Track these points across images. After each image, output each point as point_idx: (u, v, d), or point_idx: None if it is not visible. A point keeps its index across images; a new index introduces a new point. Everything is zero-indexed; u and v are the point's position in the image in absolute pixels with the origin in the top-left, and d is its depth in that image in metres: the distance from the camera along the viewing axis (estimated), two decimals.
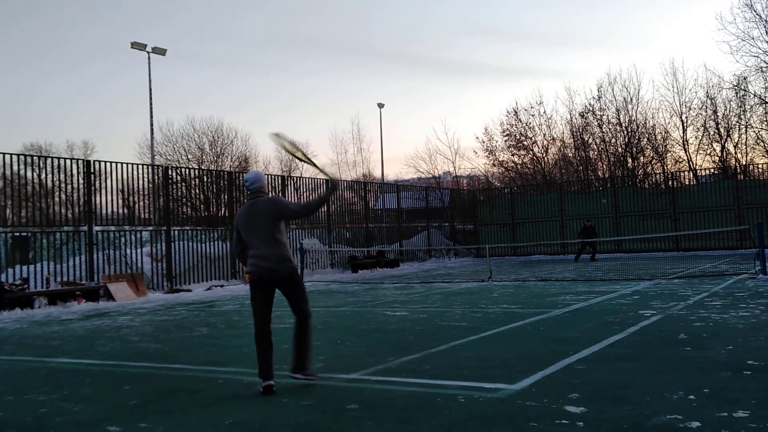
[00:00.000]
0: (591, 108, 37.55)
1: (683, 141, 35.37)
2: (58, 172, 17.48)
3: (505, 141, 39.52)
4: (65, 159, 18.13)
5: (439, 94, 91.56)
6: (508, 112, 40.40)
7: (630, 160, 36.64)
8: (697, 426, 3.77)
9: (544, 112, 39.27)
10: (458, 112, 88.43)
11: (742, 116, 33.79)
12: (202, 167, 38.64)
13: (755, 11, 31.92)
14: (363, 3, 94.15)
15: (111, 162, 18.04)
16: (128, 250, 18.17)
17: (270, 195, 5.93)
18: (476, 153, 65.30)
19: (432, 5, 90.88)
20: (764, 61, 31.94)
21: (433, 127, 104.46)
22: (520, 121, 39.14)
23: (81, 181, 17.49)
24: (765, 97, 32.71)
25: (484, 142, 40.27)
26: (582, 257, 25.86)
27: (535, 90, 53.12)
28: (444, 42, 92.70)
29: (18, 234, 16.90)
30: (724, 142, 34.20)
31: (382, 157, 49.24)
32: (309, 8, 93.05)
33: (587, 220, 26.53)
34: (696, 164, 34.55)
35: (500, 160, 40.08)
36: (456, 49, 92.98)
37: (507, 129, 39.40)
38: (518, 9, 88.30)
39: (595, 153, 38.24)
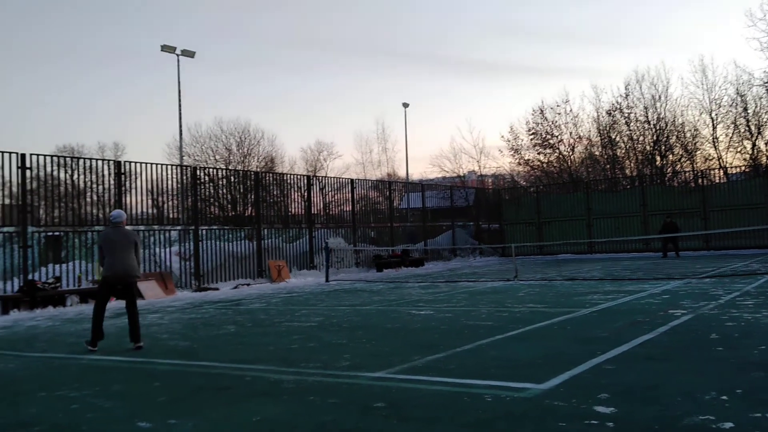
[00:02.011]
0: (618, 106, 37.13)
1: (713, 138, 34.80)
2: (90, 172, 17.76)
3: (531, 140, 39.26)
4: (96, 160, 18.42)
5: (464, 93, 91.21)
6: (533, 110, 40.09)
7: (658, 158, 36.14)
8: (730, 427, 3.71)
9: (571, 110, 38.87)
10: (483, 111, 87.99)
11: None
12: (230, 167, 38.98)
13: None
14: (389, 3, 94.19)
15: (141, 163, 18.31)
16: (157, 249, 18.40)
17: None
18: (501, 152, 65.02)
19: (457, 5, 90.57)
20: None
21: (458, 126, 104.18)
22: (546, 120, 38.85)
23: (112, 181, 17.76)
24: None
25: (509, 141, 40.05)
26: (669, 254, 25.19)
27: (562, 88, 52.66)
28: (468, 41, 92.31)
29: (51, 233, 17.21)
30: (755, 140, 33.56)
31: (406, 157, 49.30)
32: (335, 9, 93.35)
33: (667, 216, 25.97)
34: (726, 162, 33.97)
35: (526, 158, 39.83)
36: (480, 48, 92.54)
37: (533, 127, 39.14)
38: (544, 8, 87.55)
39: (623, 151, 37.80)
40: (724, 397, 4.34)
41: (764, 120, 33.33)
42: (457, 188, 35.07)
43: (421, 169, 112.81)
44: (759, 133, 33.52)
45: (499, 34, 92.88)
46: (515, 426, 4.00)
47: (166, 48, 32.92)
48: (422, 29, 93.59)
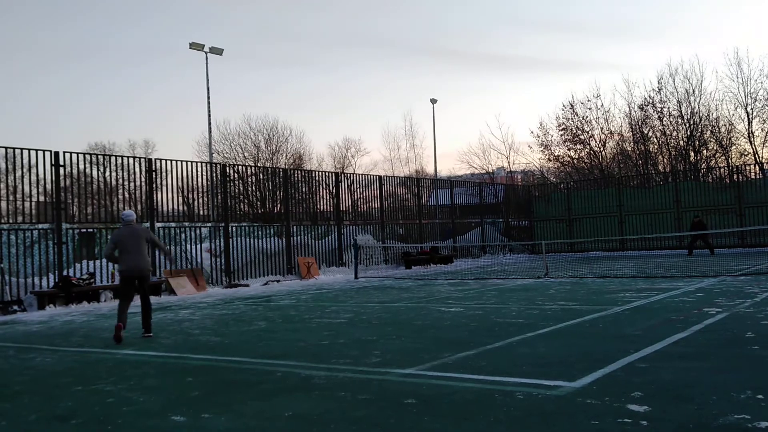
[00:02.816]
0: (651, 100, 36.54)
1: (749, 133, 34.04)
2: (121, 170, 18.06)
3: (561, 135, 38.86)
4: (128, 157, 18.72)
5: (493, 89, 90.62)
6: (564, 105, 39.69)
7: (692, 154, 35.50)
8: (766, 426, 3.64)
9: (602, 105, 38.47)
10: (512, 106, 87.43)
11: None
12: (258, 164, 39.31)
13: None
14: (417, 1, 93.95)
15: (171, 160, 18.54)
16: (188, 246, 18.64)
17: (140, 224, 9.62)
18: (531, 148, 64.57)
19: (483, 1, 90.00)
20: None
21: (487, 122, 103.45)
22: (577, 115, 38.42)
23: (143, 178, 18.04)
24: None
25: (539, 137, 39.71)
26: (697, 251, 24.46)
27: (593, 83, 51.93)
28: (498, 36, 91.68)
29: (84, 230, 17.54)
30: None
31: (435, 153, 49.13)
32: (362, 6, 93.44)
33: (695, 216, 25.36)
34: (762, 157, 33.21)
35: (556, 154, 39.44)
36: (510, 43, 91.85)
37: (563, 123, 38.74)
38: (575, 3, 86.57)
39: (655, 146, 37.20)
40: (760, 396, 4.26)
41: None
42: (486, 185, 34.88)
43: (449, 166, 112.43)
44: None
45: (528, 29, 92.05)
46: (547, 423, 3.97)
47: (194, 45, 33.29)
48: (451, 25, 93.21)
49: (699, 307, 9.08)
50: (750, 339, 6.48)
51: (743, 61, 48.87)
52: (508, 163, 40.18)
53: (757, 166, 29.99)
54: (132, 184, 18.41)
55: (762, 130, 33.75)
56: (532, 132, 60.08)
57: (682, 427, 3.74)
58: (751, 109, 33.92)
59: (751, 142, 33.92)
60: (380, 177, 26.95)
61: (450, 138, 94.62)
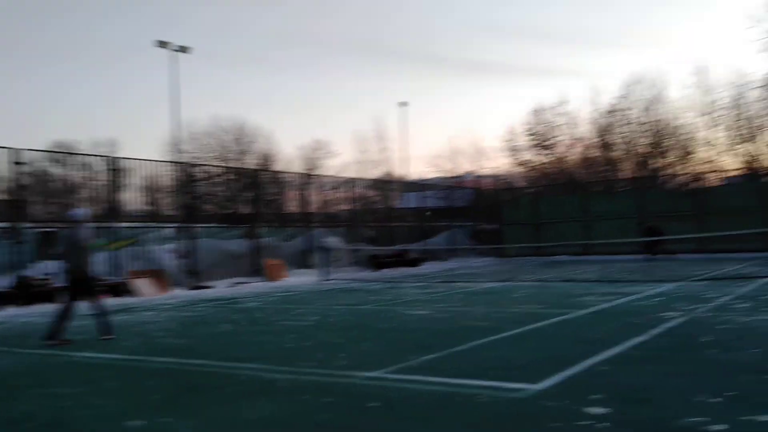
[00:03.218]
0: (616, 108, 37.18)
1: (709, 141, 34.86)
2: (84, 169, 17.72)
3: (529, 140, 39.32)
4: (90, 156, 18.38)
5: (463, 94, 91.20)
6: (532, 111, 40.15)
7: (655, 161, 36.21)
8: (721, 429, 3.73)
9: (569, 111, 38.92)
10: (481, 111, 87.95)
11: None
12: (226, 165, 38.95)
13: None
14: (390, 2, 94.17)
15: (135, 159, 18.27)
16: (152, 247, 18.37)
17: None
18: (499, 153, 65.09)
19: (456, 5, 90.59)
20: None
21: (456, 126, 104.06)
22: (544, 121, 38.91)
23: (106, 177, 17.73)
24: None
25: (507, 142, 40.10)
26: (642, 256, 24.99)
27: (560, 90, 52.84)
28: (468, 42, 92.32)
29: (45, 230, 17.17)
30: (752, 143, 33.64)
31: (404, 156, 49.26)
32: (334, 7, 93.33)
33: (650, 220, 25.87)
34: (722, 165, 34.03)
35: (524, 159, 39.88)
36: (480, 49, 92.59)
37: (531, 128, 39.20)
38: (543, 8, 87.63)
39: (620, 153, 37.85)
40: (717, 400, 4.36)
41: (761, 123, 33.44)
42: (455, 188, 35.08)
43: (419, 169, 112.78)
44: (755, 136, 33.63)
45: (497, 36, 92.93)
46: (510, 426, 4.01)
47: (161, 44, 32.85)
48: (422, 29, 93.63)
49: (659, 312, 9.25)
50: (707, 343, 6.63)
51: (706, 70, 49.99)
52: (478, 167, 40.53)
53: (717, 174, 30.73)
54: (95, 183, 18.08)
55: (722, 138, 34.60)
56: (500, 137, 60.67)
57: (640, 430, 3.82)
58: (712, 117, 34.76)
59: (711, 150, 34.75)
60: (350, 179, 26.94)
61: (420, 141, 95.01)
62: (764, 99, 33.18)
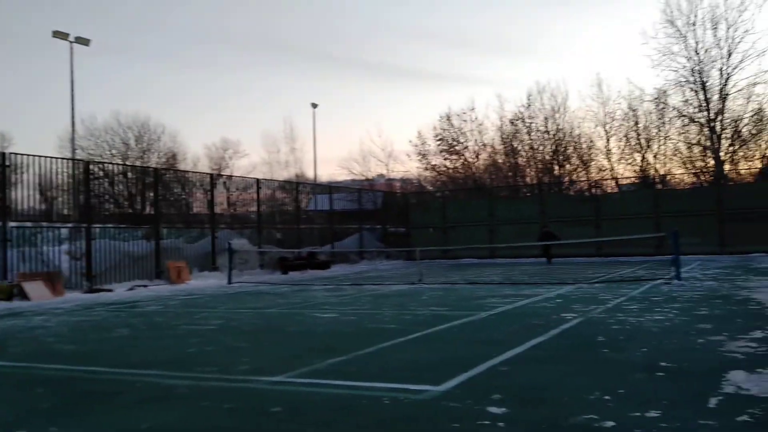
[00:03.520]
0: (521, 116, 38.54)
1: (607, 150, 36.75)
2: None
3: (438, 145, 40.09)
4: None
5: (375, 97, 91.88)
6: (441, 117, 40.95)
7: (557, 168, 37.78)
8: (611, 426, 3.90)
9: (476, 118, 39.99)
10: (393, 115, 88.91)
11: (662, 128, 35.45)
12: (127, 163, 37.47)
13: (676, 27, 33.54)
14: (298, 2, 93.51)
15: (28, 155, 17.22)
16: (45, 248, 17.39)
17: None
18: (409, 156, 65.84)
19: (366, 9, 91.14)
20: (683, 76, 33.58)
21: (368, 129, 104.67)
22: (453, 126, 39.79)
23: None
24: (683, 110, 34.39)
25: (417, 146, 40.72)
26: (542, 260, 25.86)
27: (468, 96, 54.33)
28: (379, 46, 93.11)
29: None
30: (645, 153, 35.73)
31: (314, 158, 49.00)
32: (243, 5, 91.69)
33: (544, 226, 26.82)
34: (618, 173, 35.96)
35: (433, 164, 40.61)
36: (392, 53, 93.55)
37: (440, 134, 39.97)
38: (451, 17, 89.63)
39: (524, 160, 39.24)
40: (607, 397, 4.56)
41: (653, 134, 35.57)
42: (365, 191, 35.25)
43: (329, 171, 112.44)
44: (648, 146, 35.72)
45: (408, 41, 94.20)
46: (411, 427, 4.04)
47: (58, 34, 31.22)
48: (333, 31, 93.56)
49: (557, 313, 9.62)
50: (601, 343, 6.94)
51: (603, 82, 52.61)
52: (388, 170, 40.91)
53: (613, 181, 32.39)
54: None
55: (618, 147, 36.55)
56: (410, 141, 61.42)
57: (536, 428, 3.94)
58: (609, 127, 36.67)
59: (608, 159, 36.63)
60: (258, 180, 26.52)
61: (331, 143, 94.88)
62: (655, 112, 35.33)
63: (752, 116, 33.43)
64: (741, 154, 34.36)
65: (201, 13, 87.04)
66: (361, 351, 6.87)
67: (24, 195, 17.16)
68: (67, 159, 19.73)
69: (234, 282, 19.32)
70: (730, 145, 33.90)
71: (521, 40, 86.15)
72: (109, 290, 17.51)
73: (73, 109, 32.49)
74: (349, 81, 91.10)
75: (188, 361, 6.64)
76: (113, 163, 30.43)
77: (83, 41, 32.17)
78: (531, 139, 38.38)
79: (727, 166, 33.59)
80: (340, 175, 46.31)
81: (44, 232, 17.58)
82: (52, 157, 17.89)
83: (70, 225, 18.66)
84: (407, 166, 61.52)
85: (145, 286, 18.72)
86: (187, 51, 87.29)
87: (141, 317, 11.17)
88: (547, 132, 37.84)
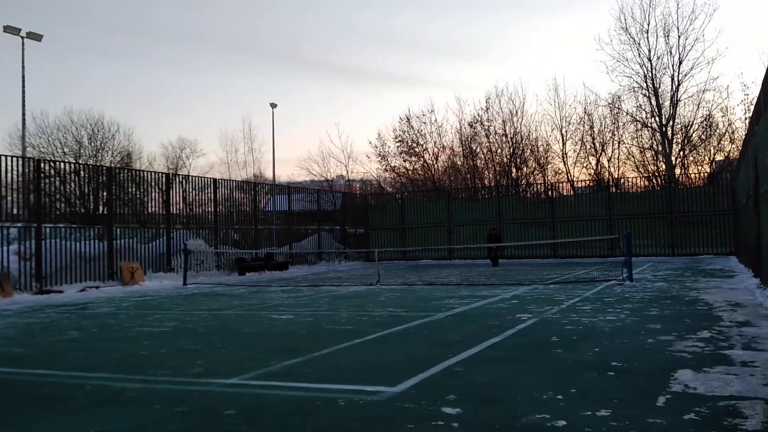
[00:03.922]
0: (479, 118, 38.94)
1: (563, 153, 37.40)
2: None
3: (398, 147, 40.24)
4: None
5: (334, 99, 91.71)
6: (401, 118, 41.11)
7: (514, 170, 38.26)
8: (563, 425, 3.95)
9: (435, 120, 40.27)
10: (353, 116, 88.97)
11: (616, 133, 36.25)
12: (80, 161, 36.57)
13: (630, 34, 34.35)
14: (261, 4, 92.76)
15: None
16: None
17: None
18: (369, 158, 65.91)
19: (329, 13, 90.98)
20: (636, 82, 34.40)
21: (327, 130, 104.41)
22: (412, 128, 40.00)
23: None
24: (636, 115, 35.21)
25: (377, 147, 40.78)
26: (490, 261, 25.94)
27: (428, 99, 54.64)
28: (341, 47, 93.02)
29: None
30: (599, 156, 36.46)
31: (273, 158, 48.72)
32: (202, 4, 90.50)
33: (492, 228, 27.07)
34: (573, 176, 36.62)
35: (392, 165, 40.73)
36: (353, 55, 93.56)
37: (399, 135, 40.11)
38: (412, 21, 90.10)
39: (483, 162, 39.65)
40: (560, 397, 4.63)
41: (608, 138, 36.33)
42: (324, 192, 35.13)
43: (288, 172, 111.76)
44: (603, 150, 36.46)
45: (369, 43, 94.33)
46: (366, 429, 4.03)
47: (9, 29, 30.27)
48: (293, 32, 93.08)
49: (513, 313, 9.74)
50: (554, 343, 7.05)
51: (560, 87, 53.63)
52: (347, 171, 40.84)
53: (569, 184, 32.95)
54: None
55: (574, 151, 37.22)
56: (370, 142, 61.52)
57: (489, 428, 3.97)
58: (565, 131, 37.33)
59: (564, 162, 37.26)
60: (215, 180, 26.18)
61: (290, 144, 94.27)
62: (610, 116, 36.10)
63: (702, 122, 34.46)
64: (691, 158, 35.40)
65: (158, 11, 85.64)
66: (318, 352, 6.83)
67: None
68: (18, 157, 19.13)
69: (189, 283, 19.03)
70: (680, 150, 34.86)
71: (480, 44, 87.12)
72: (60, 291, 17.07)
73: (24, 105, 31.54)
74: (309, 82, 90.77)
75: (140, 364, 6.51)
76: (65, 162, 29.61)
77: (35, 36, 31.25)
78: (489, 142, 38.83)
79: (678, 171, 34.54)
80: (300, 176, 46.20)
81: None
82: (1, 155, 17.33)
83: (19, 225, 18.12)
84: (367, 167, 61.71)
85: (97, 287, 18.31)
86: (145, 50, 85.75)
87: (92, 319, 10.91)
88: (505, 135, 38.33)
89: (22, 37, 30.92)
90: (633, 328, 7.90)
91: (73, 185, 22.28)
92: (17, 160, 18.77)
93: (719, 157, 34.84)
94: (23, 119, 31.83)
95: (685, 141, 34.71)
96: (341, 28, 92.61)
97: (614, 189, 32.54)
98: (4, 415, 4.67)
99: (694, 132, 34.64)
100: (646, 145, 35.68)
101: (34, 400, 5.09)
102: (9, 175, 17.64)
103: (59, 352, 7.58)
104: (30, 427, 4.32)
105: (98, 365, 6.55)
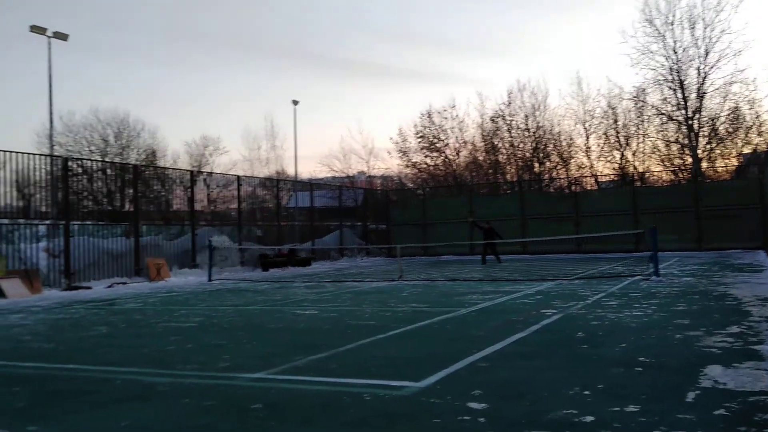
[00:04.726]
0: (501, 113, 38.68)
1: (586, 148, 37.03)
2: None
3: (419, 143, 40.12)
4: None
5: (355, 94, 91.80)
6: (422, 114, 40.99)
7: (537, 165, 37.99)
8: (591, 420, 3.93)
9: (457, 115, 40.07)
10: (374, 113, 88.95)
11: (640, 126, 35.79)
12: (106, 159, 37.07)
13: (655, 26, 33.87)
14: (282, 2, 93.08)
15: (5, 151, 16.97)
16: (23, 245, 17.16)
17: None
18: (390, 154, 65.89)
19: (348, 8, 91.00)
20: (661, 75, 33.93)
21: (348, 126, 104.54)
22: (434, 124, 39.84)
23: None
24: (661, 108, 34.74)
25: (398, 143, 40.72)
26: (488, 258, 25.46)
27: (449, 94, 54.44)
28: (361, 44, 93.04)
29: None
30: (623, 150, 36.05)
31: (295, 155, 48.91)
32: (224, 4, 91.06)
33: (486, 222, 26.66)
34: (597, 170, 36.25)
35: (413, 161, 40.63)
36: (373, 51, 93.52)
37: (420, 131, 40.00)
38: (433, 16, 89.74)
39: (504, 157, 39.41)
40: (587, 392, 4.60)
41: (632, 132, 35.90)
42: (345, 188, 35.20)
43: (310, 168, 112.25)
44: (627, 144, 36.05)
45: (390, 38, 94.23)
46: (391, 423, 4.04)
47: (35, 29, 30.75)
48: (314, 28, 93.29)
49: (537, 309, 9.69)
50: (580, 339, 7.00)
51: (583, 80, 53.02)
52: (368, 167, 40.88)
53: (592, 179, 32.67)
54: None
55: (597, 145, 36.85)
56: (391, 138, 61.44)
57: (515, 423, 3.96)
58: (589, 125, 36.95)
59: (587, 156, 36.91)
60: (239, 177, 26.36)
61: (312, 140, 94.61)
62: (634, 110, 35.66)
63: (729, 115, 33.90)
64: (718, 151, 34.82)
65: (181, 9, 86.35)
66: (342, 348, 6.86)
67: (1, 192, 16.91)
68: (45, 155, 19.45)
69: (214, 279, 19.21)
70: (707, 143, 34.33)
71: (501, 39, 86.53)
72: (88, 288, 17.33)
73: (51, 104, 32.02)
74: (330, 78, 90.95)
75: (167, 359, 6.60)
76: (92, 160, 30.03)
77: (61, 36, 31.71)
78: (511, 137, 38.56)
79: (704, 164, 34.04)
80: (321, 172, 46.22)
81: (22, 229, 17.35)
82: (29, 153, 17.64)
83: (48, 222, 18.43)
84: (388, 164, 61.66)
85: (124, 283, 18.55)
86: (167, 47, 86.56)
87: (120, 315, 11.07)
88: (528, 130, 38.05)
89: (49, 37, 31.40)
90: (660, 324, 7.82)
91: (99, 183, 22.61)
92: (45, 159, 19.09)
93: (747, 150, 34.26)
94: (50, 118, 32.32)
95: (712, 134, 34.18)
96: (362, 25, 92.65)
97: (639, 183, 32.17)
98: (35, 409, 4.76)
99: (720, 125, 34.10)
100: (672, 139, 35.21)
101: (64, 395, 5.18)
102: (37, 173, 17.94)
103: (88, 347, 7.71)
104: (62, 422, 4.40)
105: (127, 360, 6.65)
